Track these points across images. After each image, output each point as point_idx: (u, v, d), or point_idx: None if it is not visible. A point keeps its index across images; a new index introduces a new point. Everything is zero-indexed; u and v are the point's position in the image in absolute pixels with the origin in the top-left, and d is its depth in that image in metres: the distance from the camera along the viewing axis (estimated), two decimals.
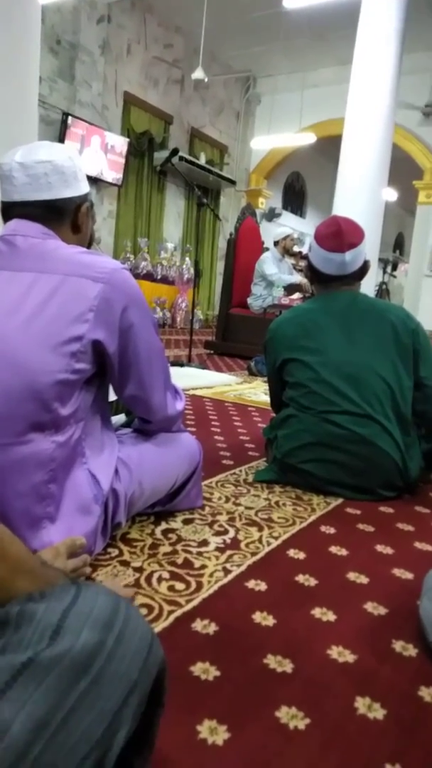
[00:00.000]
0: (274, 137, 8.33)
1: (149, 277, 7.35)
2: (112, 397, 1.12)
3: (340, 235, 1.55)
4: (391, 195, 8.28)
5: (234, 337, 5.09)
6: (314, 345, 1.55)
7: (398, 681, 0.79)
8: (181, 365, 3.86)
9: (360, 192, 5.41)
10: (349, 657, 0.83)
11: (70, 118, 6.48)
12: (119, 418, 1.32)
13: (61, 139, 6.37)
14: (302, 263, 4.79)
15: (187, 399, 2.72)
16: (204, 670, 0.76)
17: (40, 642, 0.42)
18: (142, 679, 0.45)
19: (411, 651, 0.85)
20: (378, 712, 0.72)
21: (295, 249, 5.10)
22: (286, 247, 5.08)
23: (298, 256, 5.05)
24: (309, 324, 1.59)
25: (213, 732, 0.66)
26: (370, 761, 0.64)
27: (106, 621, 0.44)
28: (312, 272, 1.65)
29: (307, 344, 1.56)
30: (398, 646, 0.87)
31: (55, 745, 0.38)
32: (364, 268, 1.62)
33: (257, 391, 3.23)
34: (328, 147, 7.85)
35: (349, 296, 1.60)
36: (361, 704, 0.73)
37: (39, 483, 0.89)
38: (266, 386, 1.79)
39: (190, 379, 3.33)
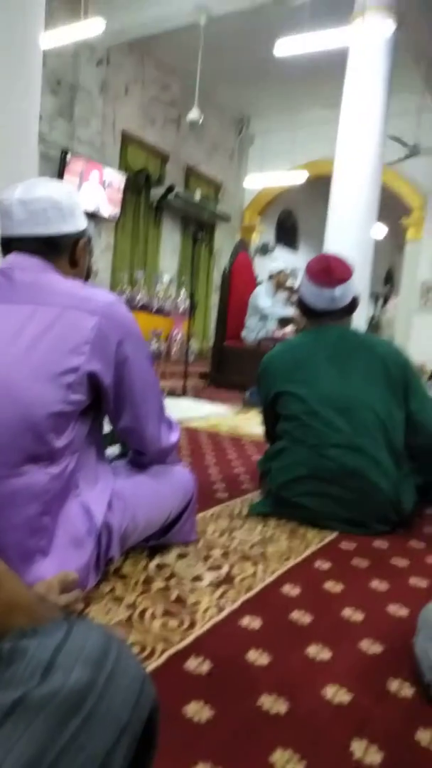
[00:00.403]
0: (267, 176, 8.56)
1: (146, 308, 7.43)
2: (107, 428, 1.12)
3: (329, 271, 1.59)
4: (381, 231, 8.48)
5: (229, 369, 5.12)
6: (306, 378, 1.56)
7: (394, 723, 0.77)
8: (176, 396, 3.86)
9: (350, 228, 5.54)
10: (344, 697, 0.81)
11: (69, 155, 6.64)
12: (113, 450, 1.32)
13: (60, 175, 6.52)
14: (294, 297, 4.87)
15: (181, 431, 2.72)
16: (197, 711, 0.74)
17: (31, 679, 0.41)
18: (134, 719, 0.44)
19: (406, 691, 0.84)
20: (374, 757, 0.70)
21: (289, 283, 5.19)
22: (279, 282, 5.17)
23: (291, 290, 5.14)
24: (300, 357, 1.61)
25: None
26: None
27: (98, 658, 0.43)
28: (303, 307, 1.69)
29: (299, 377, 1.57)
30: (394, 685, 0.85)
31: None
32: (353, 304, 1.66)
33: (251, 423, 3.23)
34: (319, 185, 8.06)
35: (339, 331, 1.63)
36: (357, 748, 0.71)
37: (32, 516, 0.88)
38: (260, 418, 1.79)
39: (184, 410, 3.33)
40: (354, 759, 0.69)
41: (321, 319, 1.65)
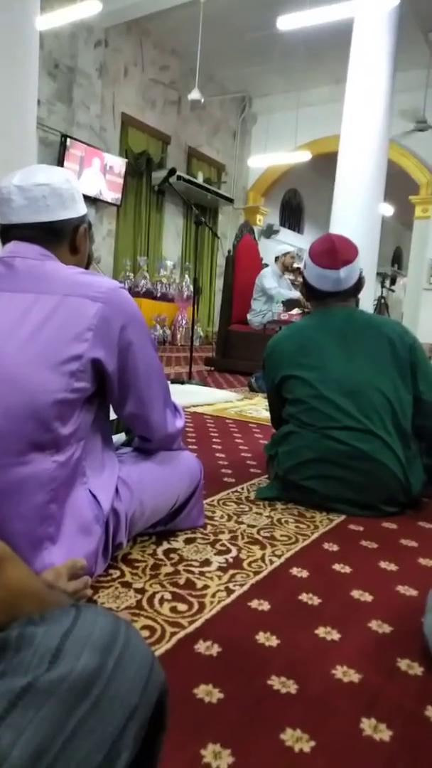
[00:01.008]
0: (271, 156, 8.44)
1: (149, 295, 7.40)
2: (112, 416, 1.12)
3: (334, 252, 1.57)
4: (388, 210, 8.37)
5: (234, 354, 5.10)
6: (313, 361, 1.55)
7: (404, 701, 0.77)
8: (182, 382, 3.86)
9: (356, 207, 5.47)
10: (354, 677, 0.82)
11: (68, 140, 6.57)
12: (119, 437, 1.32)
13: (60, 161, 6.47)
14: (300, 279, 4.83)
15: (187, 416, 2.72)
16: (207, 692, 0.75)
17: (39, 666, 0.41)
18: (143, 702, 0.44)
19: (416, 669, 0.84)
20: (384, 734, 0.71)
21: (295, 265, 5.14)
22: (286, 264, 5.12)
23: (298, 271, 5.09)
24: (307, 340, 1.60)
25: (217, 756, 0.65)
26: None
27: (106, 644, 0.44)
28: (307, 289, 1.67)
29: (306, 361, 1.56)
30: (403, 664, 0.85)
31: None
32: (358, 284, 1.64)
33: (258, 408, 3.23)
34: (324, 164, 7.95)
35: (345, 312, 1.61)
36: (367, 725, 0.72)
37: (40, 504, 0.88)
38: (267, 402, 1.79)
39: (190, 396, 3.33)
40: (364, 736, 0.70)
41: (326, 301, 1.64)
